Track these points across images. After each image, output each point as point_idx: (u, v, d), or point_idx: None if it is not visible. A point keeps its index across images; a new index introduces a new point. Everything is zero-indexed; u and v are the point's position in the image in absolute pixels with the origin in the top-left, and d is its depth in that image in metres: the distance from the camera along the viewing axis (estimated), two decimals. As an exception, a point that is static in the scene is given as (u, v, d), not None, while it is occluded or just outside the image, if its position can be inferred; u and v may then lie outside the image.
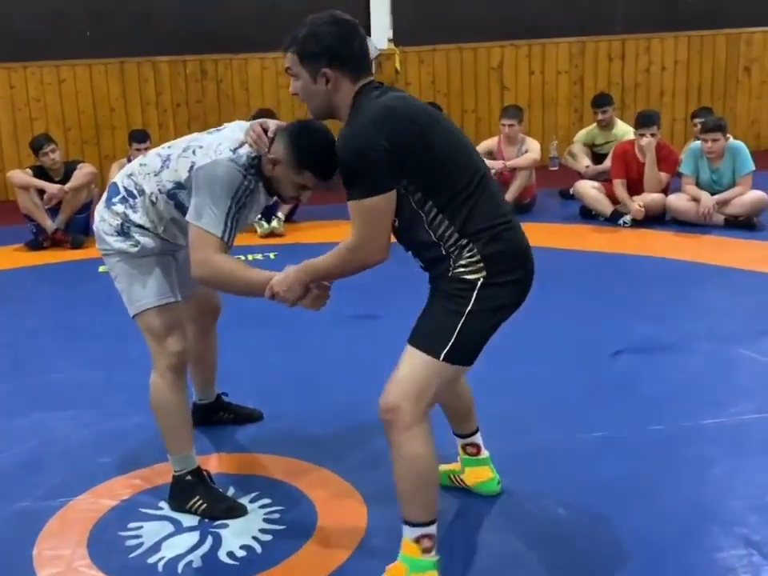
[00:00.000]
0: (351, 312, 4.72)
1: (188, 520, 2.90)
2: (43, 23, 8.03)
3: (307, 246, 6.30)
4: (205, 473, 3.00)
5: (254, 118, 6.91)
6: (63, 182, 6.59)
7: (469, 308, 2.31)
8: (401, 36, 8.52)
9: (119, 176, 2.92)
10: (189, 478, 2.95)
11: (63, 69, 8.18)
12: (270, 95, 8.55)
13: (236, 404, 3.57)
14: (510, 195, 6.97)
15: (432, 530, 2.39)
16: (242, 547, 2.74)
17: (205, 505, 2.91)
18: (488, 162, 6.96)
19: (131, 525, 2.88)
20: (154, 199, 2.81)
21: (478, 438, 2.95)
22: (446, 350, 2.31)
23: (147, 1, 8.22)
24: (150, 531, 2.85)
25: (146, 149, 6.72)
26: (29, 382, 4.14)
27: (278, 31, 9.02)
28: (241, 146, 2.69)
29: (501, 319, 2.41)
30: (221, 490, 3.02)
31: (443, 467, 2.86)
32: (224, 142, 2.71)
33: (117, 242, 2.84)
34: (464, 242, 2.32)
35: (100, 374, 4.19)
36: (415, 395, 2.32)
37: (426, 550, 2.37)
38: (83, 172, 6.64)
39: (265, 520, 2.88)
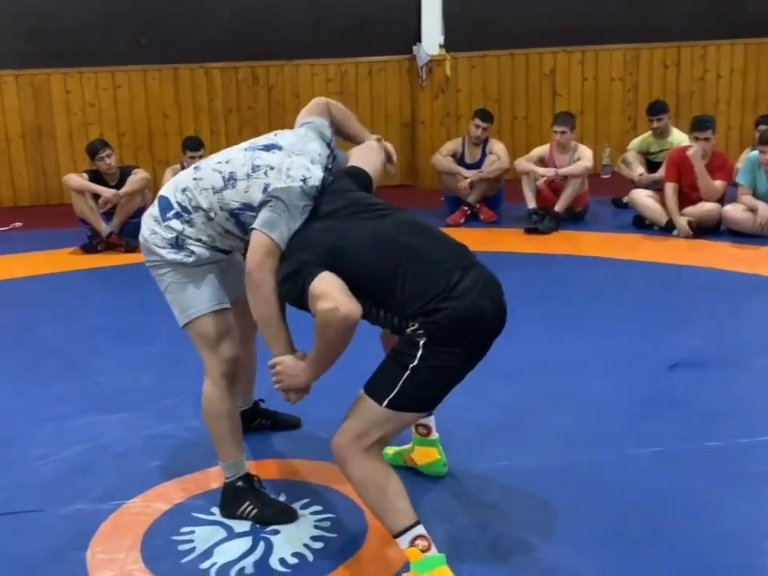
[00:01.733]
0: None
1: (240, 526, 2.91)
2: (99, 29, 8.14)
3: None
4: (255, 478, 3.00)
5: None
6: (118, 186, 6.66)
7: (413, 364, 2.49)
8: (452, 41, 8.49)
9: (170, 190, 2.90)
10: (239, 483, 2.96)
11: (118, 74, 8.28)
12: (321, 101, 8.57)
13: (273, 410, 3.57)
14: (561, 204, 6.91)
15: (419, 530, 2.47)
16: (294, 554, 2.74)
17: (255, 510, 2.92)
18: (539, 170, 7.00)
19: (184, 529, 2.89)
20: (212, 215, 2.81)
21: (430, 421, 3.11)
22: (389, 397, 2.50)
23: (200, 8, 8.29)
24: (203, 536, 2.85)
25: (200, 156, 6.75)
26: (81, 384, 4.17)
27: (329, 38, 9.11)
28: (309, 172, 2.75)
29: (453, 376, 2.57)
30: (271, 495, 3.03)
31: (396, 449, 3.16)
32: (292, 167, 2.76)
33: (170, 254, 2.85)
34: (406, 321, 2.52)
35: (152, 377, 4.22)
36: (355, 436, 2.54)
37: (425, 549, 2.45)
38: (137, 177, 6.72)
39: (316, 527, 2.88)
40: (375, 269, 2.54)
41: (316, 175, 2.80)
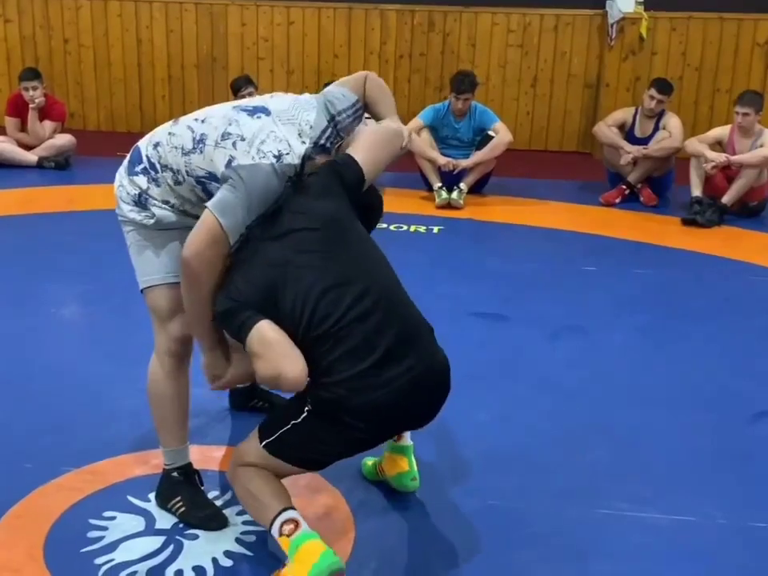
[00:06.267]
0: (474, 309, 4.25)
1: (164, 520, 2.66)
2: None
3: (480, 223, 5.80)
4: (195, 472, 2.75)
5: (455, 81, 6.42)
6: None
7: (295, 421, 2.37)
8: (653, -1, 7.63)
9: (144, 141, 2.63)
10: (175, 474, 2.72)
11: (293, 10, 8.13)
12: (498, 53, 8.01)
13: (275, 393, 3.25)
14: (729, 195, 6.03)
15: (285, 515, 2.34)
16: (194, 568, 2.45)
17: (184, 509, 2.67)
18: (709, 154, 6.09)
19: (107, 513, 2.69)
20: (180, 178, 2.51)
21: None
22: (267, 440, 2.42)
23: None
24: (119, 525, 2.63)
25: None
26: (124, 327, 4.02)
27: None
28: (288, 147, 2.40)
29: (340, 450, 2.42)
30: (216, 491, 2.78)
31: (374, 459, 2.89)
32: (267, 141, 2.41)
33: (131, 212, 2.59)
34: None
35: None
36: (239, 461, 2.51)
37: (290, 532, 2.31)
38: (274, 118, 6.55)
39: (237, 540, 2.57)
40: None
41: (296, 151, 2.42)
